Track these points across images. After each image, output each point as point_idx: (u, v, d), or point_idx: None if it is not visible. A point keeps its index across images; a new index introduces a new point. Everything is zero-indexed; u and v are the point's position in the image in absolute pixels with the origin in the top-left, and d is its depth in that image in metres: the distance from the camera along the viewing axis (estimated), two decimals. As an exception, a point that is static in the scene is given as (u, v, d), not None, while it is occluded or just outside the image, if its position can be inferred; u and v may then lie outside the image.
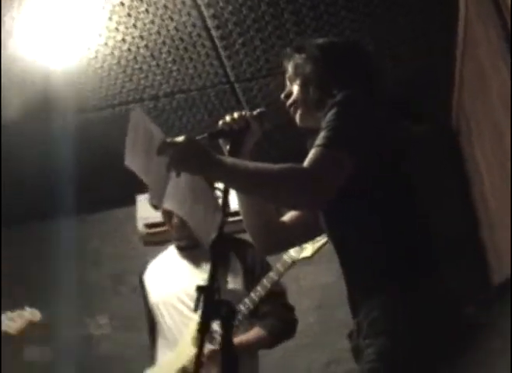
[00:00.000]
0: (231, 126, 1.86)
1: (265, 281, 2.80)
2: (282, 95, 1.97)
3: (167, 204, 1.85)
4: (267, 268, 2.89)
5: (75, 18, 3.08)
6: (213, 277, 1.59)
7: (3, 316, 3.43)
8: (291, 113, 1.95)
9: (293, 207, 1.91)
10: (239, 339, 2.73)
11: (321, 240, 2.71)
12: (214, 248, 1.67)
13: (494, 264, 3.52)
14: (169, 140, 1.70)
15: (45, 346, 4.55)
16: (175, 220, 2.98)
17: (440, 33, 3.35)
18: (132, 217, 4.51)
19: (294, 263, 2.80)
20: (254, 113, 1.90)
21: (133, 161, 1.80)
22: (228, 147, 1.87)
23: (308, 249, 2.78)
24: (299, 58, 1.91)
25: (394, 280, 1.65)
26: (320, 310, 4.11)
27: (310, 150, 1.66)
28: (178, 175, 1.70)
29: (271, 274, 2.81)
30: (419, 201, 1.76)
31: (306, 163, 1.62)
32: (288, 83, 1.98)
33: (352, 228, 1.73)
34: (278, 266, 2.82)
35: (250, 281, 2.89)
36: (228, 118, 1.87)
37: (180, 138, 1.68)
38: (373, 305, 1.64)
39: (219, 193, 1.82)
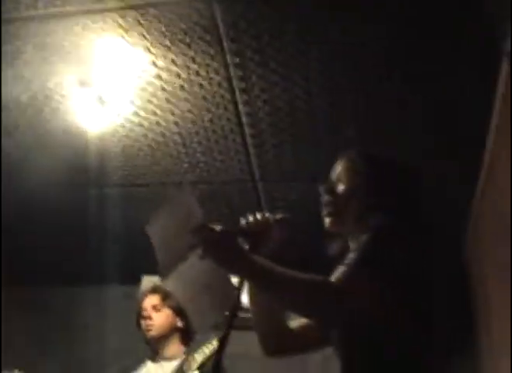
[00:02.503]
0: (252, 226, 1.85)
1: None
2: (323, 189, 1.94)
3: (169, 284, 1.82)
4: None
5: (116, 92, 3.16)
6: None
7: None
8: (323, 213, 1.92)
9: (312, 319, 1.87)
10: None
11: (209, 353, 2.77)
12: (222, 341, 1.62)
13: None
14: (208, 225, 1.69)
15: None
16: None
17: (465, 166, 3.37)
18: (132, 297, 4.42)
19: None
20: (277, 217, 1.88)
21: (155, 229, 1.78)
22: (246, 246, 1.85)
23: (195, 362, 2.81)
24: (352, 167, 1.91)
25: None
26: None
27: (331, 254, 1.68)
28: (202, 258, 1.68)
29: None
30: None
31: (334, 279, 1.60)
32: (333, 181, 1.95)
33: (365, 347, 1.68)
34: None
35: None
36: (250, 218, 1.86)
37: (219, 227, 1.68)
38: None
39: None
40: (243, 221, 1.84)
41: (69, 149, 3.54)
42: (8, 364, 3.51)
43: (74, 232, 4.17)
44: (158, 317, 3.06)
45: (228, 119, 3.28)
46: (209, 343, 2.82)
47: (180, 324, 3.07)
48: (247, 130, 3.34)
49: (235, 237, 1.70)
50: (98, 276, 4.54)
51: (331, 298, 1.58)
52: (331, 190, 1.92)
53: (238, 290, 1.71)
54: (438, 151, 3.31)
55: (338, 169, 1.95)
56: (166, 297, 3.10)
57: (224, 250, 1.65)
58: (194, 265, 1.75)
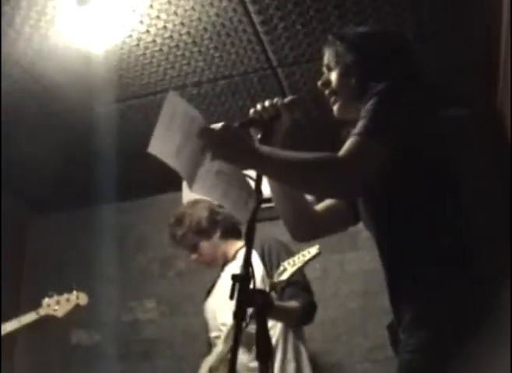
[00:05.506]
0: (262, 115, 1.84)
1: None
2: (319, 83, 1.94)
3: (196, 189, 1.84)
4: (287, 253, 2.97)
5: (117, 5, 3.11)
6: (248, 264, 1.58)
7: (51, 300, 3.51)
8: (330, 103, 1.92)
9: (328, 196, 1.91)
10: (277, 302, 2.80)
11: (298, 264, 2.72)
12: (248, 234, 1.65)
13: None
14: (209, 126, 1.71)
15: (91, 329, 4.64)
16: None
17: (482, 17, 3.24)
18: (177, 203, 4.45)
19: (273, 285, 2.77)
20: (285, 101, 1.86)
21: (160, 147, 1.77)
22: (259, 136, 1.85)
23: (286, 272, 2.75)
24: (340, 47, 1.87)
25: (435, 272, 1.59)
26: (364, 296, 4.06)
27: (345, 140, 1.63)
28: (213, 159, 1.70)
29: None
30: (460, 188, 1.71)
31: (341, 152, 1.60)
32: (325, 71, 1.95)
33: (393, 217, 1.69)
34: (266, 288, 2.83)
35: (269, 267, 2.99)
36: (259, 107, 1.85)
37: (219, 125, 1.69)
38: (415, 297, 1.61)
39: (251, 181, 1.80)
40: (251, 111, 1.86)
41: (82, 68, 3.54)
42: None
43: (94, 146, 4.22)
44: None
45: (234, 10, 3.20)
46: (300, 253, 2.79)
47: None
48: (256, 19, 3.26)
49: (237, 131, 1.71)
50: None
51: (337, 171, 1.59)
52: (328, 81, 1.92)
53: (257, 181, 1.73)
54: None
55: (325, 58, 1.93)
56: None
57: (227, 147, 1.67)
58: (212, 166, 1.77)
